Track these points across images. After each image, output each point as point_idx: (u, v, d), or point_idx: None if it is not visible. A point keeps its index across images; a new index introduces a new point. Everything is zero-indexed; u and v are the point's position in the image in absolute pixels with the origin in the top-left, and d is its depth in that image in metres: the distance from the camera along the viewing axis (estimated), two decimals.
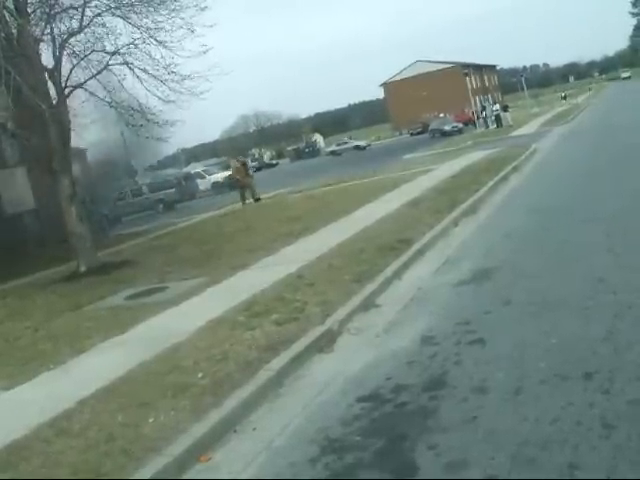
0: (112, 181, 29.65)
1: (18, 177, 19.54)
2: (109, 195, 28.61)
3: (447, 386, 4.77)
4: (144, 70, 14.83)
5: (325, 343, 6.29)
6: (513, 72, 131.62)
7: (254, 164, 77.96)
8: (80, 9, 13.91)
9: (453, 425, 4.15)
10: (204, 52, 15.46)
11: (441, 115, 74.01)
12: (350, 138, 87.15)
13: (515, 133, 35.30)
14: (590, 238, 8.16)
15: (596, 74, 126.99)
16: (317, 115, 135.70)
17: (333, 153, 74.01)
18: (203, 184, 44.30)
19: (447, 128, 57.08)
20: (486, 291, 7.04)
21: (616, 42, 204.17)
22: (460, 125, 57.87)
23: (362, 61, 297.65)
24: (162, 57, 14.93)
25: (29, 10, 13.69)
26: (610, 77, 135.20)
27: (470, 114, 61.57)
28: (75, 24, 14.11)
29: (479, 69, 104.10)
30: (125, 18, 14.39)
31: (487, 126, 48.50)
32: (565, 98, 67.01)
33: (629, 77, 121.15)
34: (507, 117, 45.93)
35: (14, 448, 4.91)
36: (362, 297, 7.44)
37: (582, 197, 11.27)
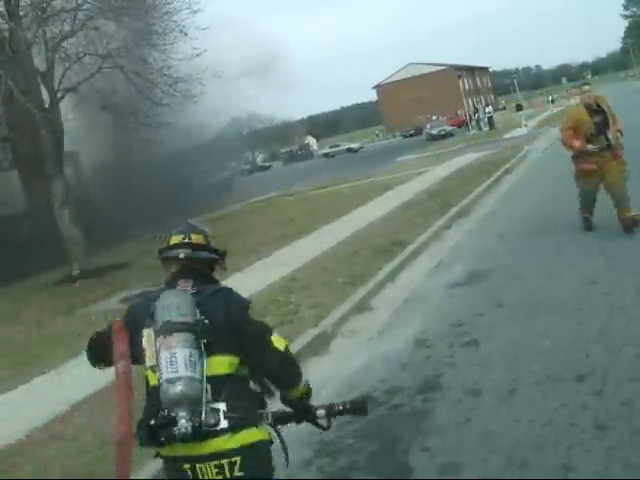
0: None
1: (11, 180, 19.46)
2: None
3: (441, 388, 4.78)
4: (137, 73, 14.82)
5: (319, 346, 6.29)
6: (506, 74, 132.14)
7: (246, 167, 77.59)
8: (72, 12, 13.89)
9: (447, 427, 4.16)
10: (197, 55, 15.49)
11: (434, 117, 74.08)
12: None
13: (508, 135, 35.33)
14: (582, 240, 8.18)
15: (588, 76, 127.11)
16: (310, 118, 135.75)
17: (326, 156, 74.02)
18: None
19: (434, 132, 56.94)
20: (479, 293, 7.06)
21: (608, 44, 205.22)
22: (449, 128, 57.77)
23: (355, 63, 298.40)
24: (154, 60, 14.94)
25: (21, 13, 13.66)
26: (605, 78, 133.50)
27: (463, 116, 61.61)
28: (67, 27, 14.09)
29: (472, 71, 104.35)
30: (117, 21, 14.37)
31: (480, 128, 48.54)
32: (553, 102, 65.04)
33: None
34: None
35: (7, 453, 4.89)
36: (356, 300, 7.45)
37: (574, 199, 11.27)
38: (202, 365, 2.52)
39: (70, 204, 14.34)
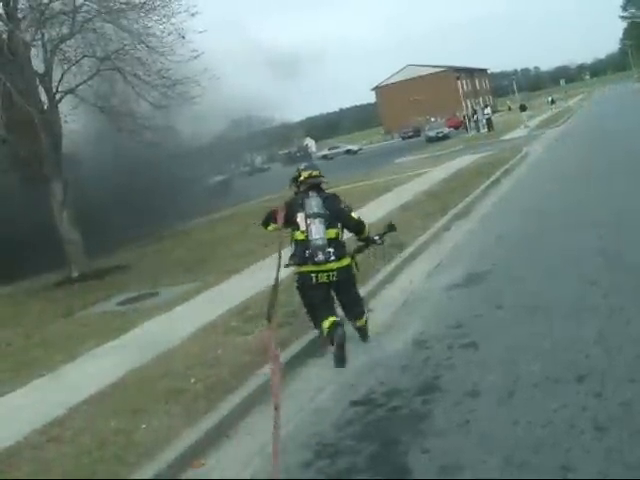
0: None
1: (9, 182, 19.44)
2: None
3: (440, 390, 4.77)
4: (135, 75, 14.81)
5: (317, 349, 6.28)
6: (504, 76, 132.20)
7: (246, 169, 77.41)
8: (71, 15, 13.88)
9: (446, 429, 4.15)
10: (195, 57, 15.47)
11: (432, 119, 74.10)
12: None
13: (506, 136, 35.30)
14: (582, 241, 8.17)
15: (587, 77, 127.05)
16: (309, 119, 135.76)
17: (325, 157, 74.02)
18: None
19: (432, 134, 56.93)
20: (478, 294, 7.05)
21: (607, 45, 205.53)
22: (447, 130, 57.79)
23: (353, 65, 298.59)
24: (153, 62, 14.92)
25: (19, 16, 13.65)
26: (608, 79, 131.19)
27: (462, 118, 61.60)
28: (66, 30, 14.08)
29: (470, 73, 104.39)
30: (115, 23, 14.36)
31: (478, 130, 48.56)
32: (553, 102, 65.15)
33: None
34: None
35: (5, 455, 4.88)
36: None
37: (573, 200, 11.29)
38: (325, 232, 5.83)
39: (69, 206, 14.32)
